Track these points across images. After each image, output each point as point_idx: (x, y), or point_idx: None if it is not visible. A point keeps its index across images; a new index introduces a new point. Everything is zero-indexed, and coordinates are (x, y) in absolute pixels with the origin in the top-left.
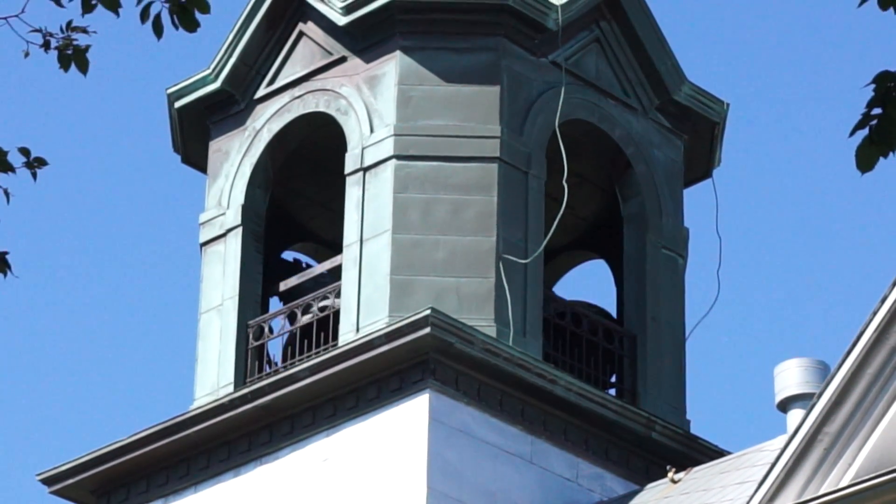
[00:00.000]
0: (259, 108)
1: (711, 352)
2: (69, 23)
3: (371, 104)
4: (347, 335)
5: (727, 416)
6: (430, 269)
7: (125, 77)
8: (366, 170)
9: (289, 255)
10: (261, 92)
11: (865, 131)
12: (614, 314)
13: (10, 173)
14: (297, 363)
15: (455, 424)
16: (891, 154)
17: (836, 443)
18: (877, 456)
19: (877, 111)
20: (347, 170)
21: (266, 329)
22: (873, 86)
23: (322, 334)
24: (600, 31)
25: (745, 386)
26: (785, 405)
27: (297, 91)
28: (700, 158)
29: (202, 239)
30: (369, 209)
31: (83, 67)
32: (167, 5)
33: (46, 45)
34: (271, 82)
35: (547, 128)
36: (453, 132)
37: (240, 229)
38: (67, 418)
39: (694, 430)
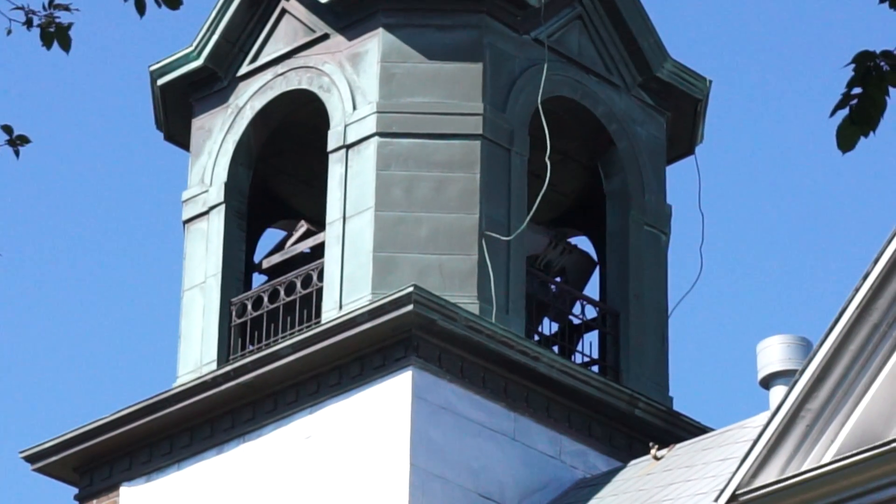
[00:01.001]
0: (242, 85)
1: (694, 329)
2: (51, 0)
3: (354, 81)
4: (330, 312)
5: (710, 393)
6: (413, 247)
7: (108, 54)
8: (348, 147)
9: (272, 233)
10: (243, 69)
11: (846, 111)
12: (597, 291)
13: None
14: (279, 340)
15: (438, 401)
16: (871, 133)
17: (819, 419)
18: (859, 432)
19: (857, 91)
20: (330, 147)
21: (249, 306)
22: (853, 65)
23: (305, 311)
24: (583, 8)
25: (728, 363)
26: (767, 382)
27: (279, 68)
28: (683, 135)
29: (185, 216)
30: (352, 186)
31: (66, 45)
32: None
33: (29, 23)
34: (254, 59)
35: (530, 105)
36: (436, 109)
37: (223, 207)
38: (50, 396)
39: (676, 406)
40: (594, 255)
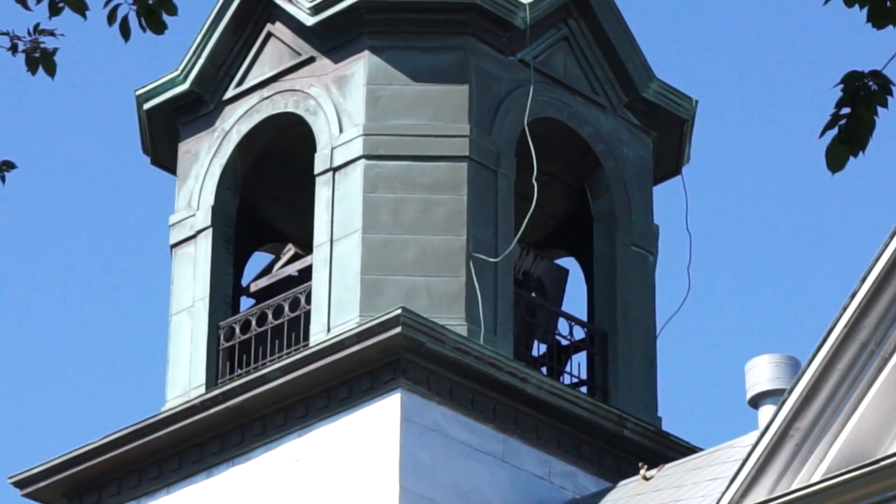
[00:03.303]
0: (228, 109)
1: (682, 348)
2: (36, 26)
3: (340, 104)
4: (318, 335)
5: (699, 413)
6: (401, 269)
7: (93, 79)
8: (335, 170)
9: (259, 257)
10: (229, 93)
11: (835, 131)
12: (585, 312)
13: None
14: (268, 364)
15: (427, 423)
16: (861, 153)
17: (808, 438)
18: (848, 451)
19: (846, 111)
20: (317, 170)
21: (237, 330)
22: (842, 85)
23: (293, 334)
24: (568, 30)
25: (717, 382)
26: (756, 401)
27: (265, 92)
28: (669, 155)
29: (172, 240)
30: (339, 209)
31: (51, 70)
32: (134, 8)
33: (14, 48)
34: (240, 83)
35: (516, 126)
36: (422, 131)
37: (210, 230)
38: (39, 420)
39: (665, 427)
40: (583, 275)
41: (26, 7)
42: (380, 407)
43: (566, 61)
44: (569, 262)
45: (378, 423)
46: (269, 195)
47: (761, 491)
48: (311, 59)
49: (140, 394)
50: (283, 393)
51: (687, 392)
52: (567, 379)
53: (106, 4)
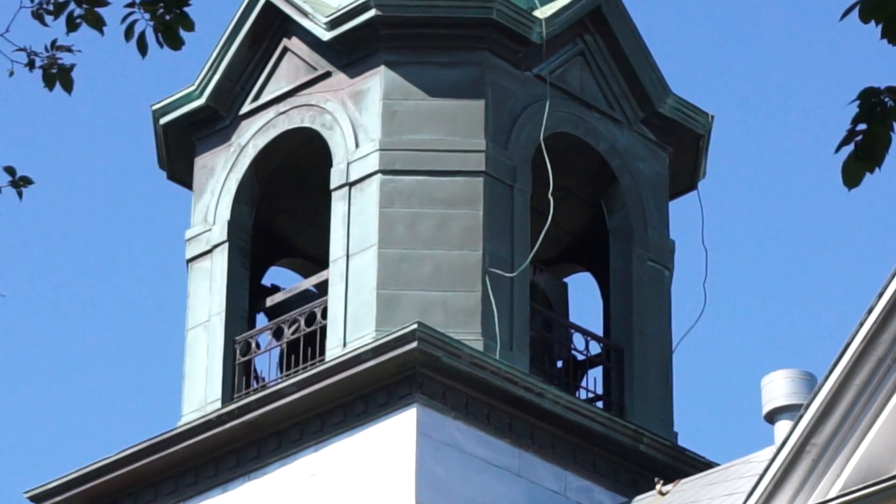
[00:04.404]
0: (244, 123)
1: (698, 364)
2: (54, 42)
3: (356, 119)
4: (334, 350)
5: (715, 428)
6: (417, 284)
7: (110, 95)
8: (351, 185)
9: (275, 272)
10: (246, 108)
11: (851, 147)
12: (601, 327)
13: None
14: (284, 379)
15: (443, 438)
16: (876, 169)
17: (824, 454)
18: (865, 466)
19: (861, 127)
20: (333, 185)
21: (253, 345)
22: (858, 102)
23: (309, 349)
24: (584, 45)
25: (733, 397)
26: (772, 416)
27: (281, 107)
28: (685, 171)
29: (188, 255)
30: (355, 224)
31: (68, 86)
32: (151, 24)
33: (31, 64)
34: (256, 98)
35: (532, 141)
36: (438, 146)
37: (226, 245)
38: (55, 435)
39: (681, 442)
40: (599, 292)
41: (43, 23)
42: (396, 422)
43: (582, 76)
44: (585, 277)
45: (394, 437)
46: (285, 210)
47: None
48: (327, 74)
49: (156, 408)
50: (299, 408)
51: (703, 407)
52: (583, 394)
53: (123, 20)
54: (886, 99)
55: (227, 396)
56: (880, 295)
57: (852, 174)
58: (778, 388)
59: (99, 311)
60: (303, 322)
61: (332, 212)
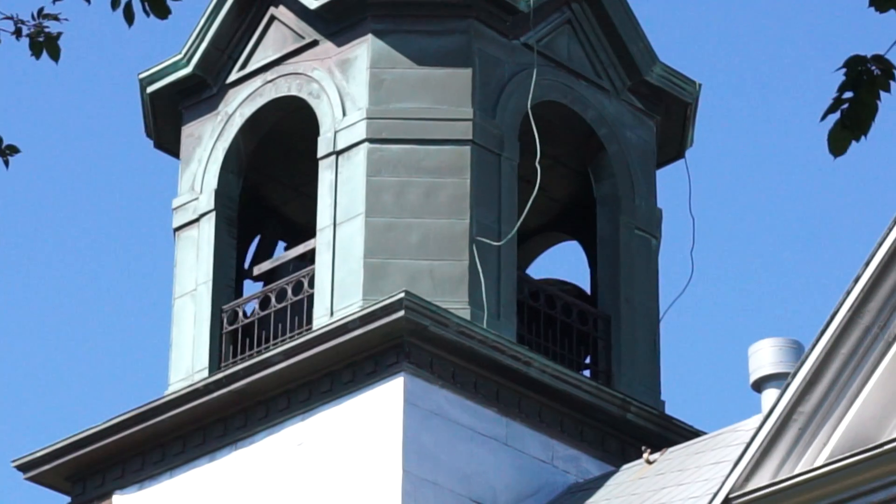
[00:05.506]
0: (231, 92)
1: (686, 332)
2: (40, 10)
3: (343, 88)
4: (321, 319)
5: (702, 397)
6: (404, 252)
7: (97, 63)
8: (338, 153)
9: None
10: (233, 76)
11: (837, 115)
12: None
13: None
14: (271, 347)
15: (430, 407)
16: (863, 137)
17: (811, 422)
18: (852, 435)
19: (848, 95)
20: (320, 153)
21: (240, 313)
22: (844, 70)
23: (296, 318)
24: (572, 13)
25: (720, 366)
26: (759, 385)
27: (269, 75)
28: (673, 139)
29: (175, 224)
30: (342, 193)
31: (55, 54)
32: None
33: (18, 33)
34: (243, 66)
35: (519, 110)
36: (426, 115)
37: (213, 214)
38: (42, 404)
39: (669, 410)
40: (586, 259)
41: None
42: (383, 391)
43: (570, 45)
44: (572, 246)
45: (381, 406)
46: (273, 178)
47: (764, 475)
48: (314, 43)
49: (143, 377)
50: (287, 376)
51: (690, 376)
52: (570, 362)
53: None
54: (873, 67)
55: (215, 365)
56: (867, 263)
57: (838, 142)
58: (765, 356)
59: (85, 279)
60: (290, 291)
61: (319, 180)
